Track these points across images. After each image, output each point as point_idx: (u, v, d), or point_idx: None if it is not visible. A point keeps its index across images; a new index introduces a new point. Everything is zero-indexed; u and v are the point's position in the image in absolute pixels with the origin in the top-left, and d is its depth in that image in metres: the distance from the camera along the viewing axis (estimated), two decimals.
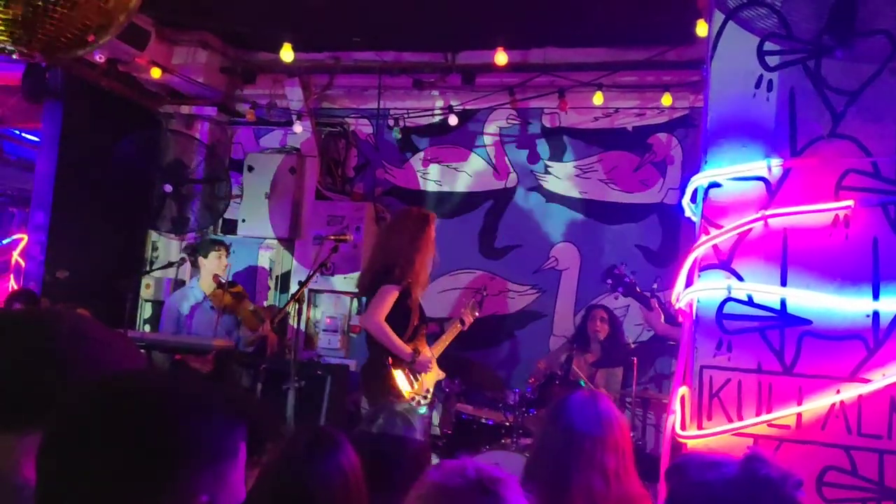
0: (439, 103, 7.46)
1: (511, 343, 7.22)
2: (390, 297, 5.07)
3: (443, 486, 1.58)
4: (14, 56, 3.42)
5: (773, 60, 2.96)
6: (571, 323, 6.99)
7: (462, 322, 5.91)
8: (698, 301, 2.97)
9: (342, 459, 2.42)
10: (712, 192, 3.00)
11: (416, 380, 5.23)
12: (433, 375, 5.37)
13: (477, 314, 6.13)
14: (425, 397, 5.28)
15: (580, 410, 2.88)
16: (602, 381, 6.24)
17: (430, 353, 5.41)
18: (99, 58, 6.35)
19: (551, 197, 7.27)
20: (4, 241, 8.89)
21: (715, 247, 2.96)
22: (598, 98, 6.64)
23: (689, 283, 3.01)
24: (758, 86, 2.97)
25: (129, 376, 1.31)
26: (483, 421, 5.72)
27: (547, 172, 7.30)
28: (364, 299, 5.62)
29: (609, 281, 4.27)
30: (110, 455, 1.17)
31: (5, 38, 3.25)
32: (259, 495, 2.39)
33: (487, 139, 7.47)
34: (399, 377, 5.14)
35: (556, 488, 2.75)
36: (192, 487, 1.20)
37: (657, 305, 4.35)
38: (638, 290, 4.21)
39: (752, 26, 2.87)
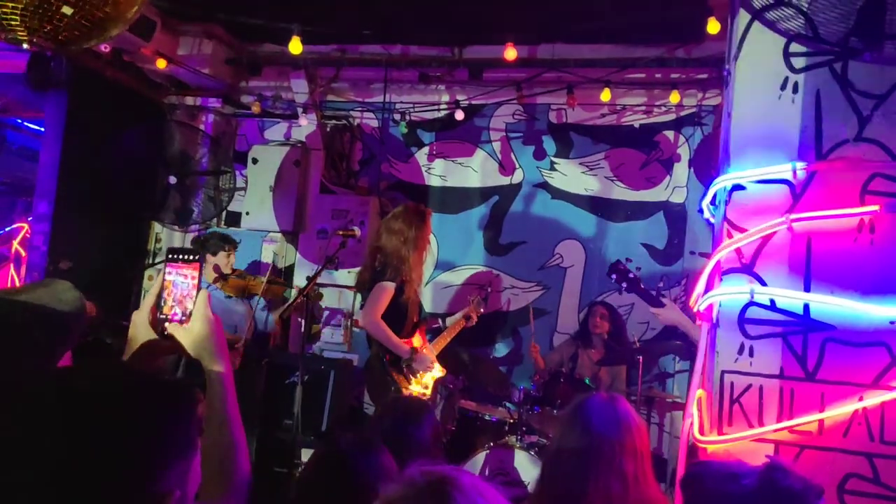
0: (446, 98, 7.42)
1: (515, 340, 7.20)
2: (385, 294, 5.06)
3: (390, 499, 1.56)
4: (24, 46, 3.37)
5: (799, 62, 2.93)
6: (576, 320, 6.97)
7: (467, 318, 5.88)
8: (720, 305, 2.93)
9: (380, 461, 2.41)
10: (735, 194, 2.97)
11: (415, 377, 5.20)
12: (433, 372, 5.34)
13: (483, 310, 6.09)
14: (424, 394, 5.25)
15: (599, 413, 2.84)
16: (607, 380, 6.23)
17: (429, 350, 5.38)
18: (104, 48, 6.29)
19: (557, 193, 7.24)
20: (5, 230, 8.83)
21: (738, 250, 2.92)
22: (605, 95, 6.60)
23: (709, 287, 2.98)
24: (783, 87, 2.93)
25: (89, 373, 1.27)
26: (487, 418, 5.70)
27: (553, 169, 7.27)
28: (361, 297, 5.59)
29: (613, 276, 4.23)
30: (84, 458, 1.13)
31: (17, 29, 3.21)
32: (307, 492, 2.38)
33: (494, 134, 7.44)
34: (397, 374, 5.13)
35: (574, 492, 2.72)
36: (167, 485, 1.20)
37: (669, 299, 4.29)
38: (642, 286, 4.18)
39: (777, 27, 2.84)
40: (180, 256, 1.80)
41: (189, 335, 1.74)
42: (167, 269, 1.79)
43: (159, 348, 1.78)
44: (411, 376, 5.19)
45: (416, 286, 5.33)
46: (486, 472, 5.13)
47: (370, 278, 5.19)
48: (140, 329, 1.77)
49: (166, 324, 1.76)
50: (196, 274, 1.79)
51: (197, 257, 1.81)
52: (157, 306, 1.78)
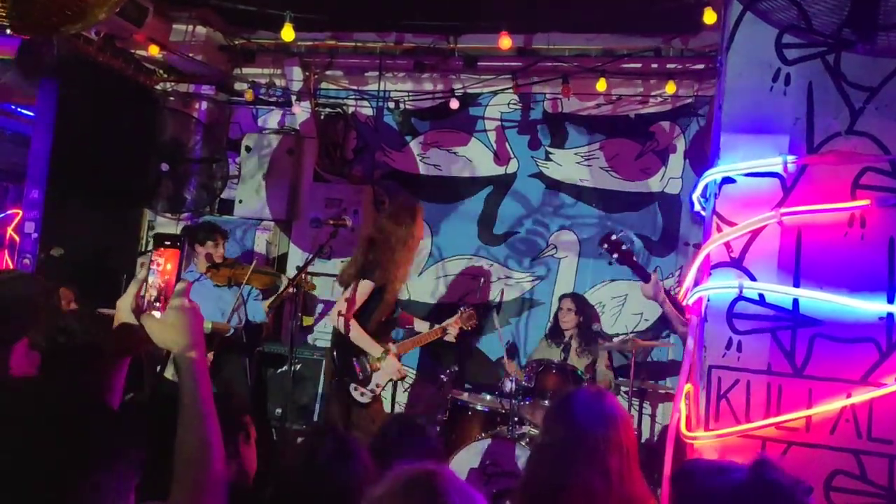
0: (440, 86, 7.37)
1: (508, 330, 7.16)
2: (364, 292, 5.10)
3: (379, 497, 1.57)
4: (8, 32, 3.33)
5: (791, 54, 2.89)
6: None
7: (445, 331, 5.76)
8: (708, 299, 2.90)
9: (359, 467, 2.37)
10: (725, 187, 2.93)
11: (369, 377, 5.21)
12: (388, 372, 5.32)
13: (471, 327, 5.85)
14: (373, 392, 5.25)
15: (584, 407, 2.81)
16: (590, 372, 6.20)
17: (394, 348, 5.36)
18: (96, 33, 6.22)
19: (552, 183, 7.19)
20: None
21: (727, 244, 2.89)
22: (601, 85, 6.55)
23: (699, 281, 2.95)
24: (775, 79, 2.90)
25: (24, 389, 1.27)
26: (478, 408, 5.67)
27: (548, 159, 7.22)
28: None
29: (604, 246, 4.16)
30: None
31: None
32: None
33: (489, 124, 7.39)
34: (349, 371, 5.21)
35: (555, 486, 2.69)
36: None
37: (656, 278, 4.18)
38: (634, 259, 4.11)
39: (770, 18, 2.80)
40: (166, 243, 1.76)
41: (159, 325, 1.67)
42: (153, 257, 1.75)
43: (133, 334, 1.73)
44: (362, 373, 5.20)
45: (399, 285, 5.31)
46: (477, 463, 5.11)
47: (356, 273, 5.16)
48: (124, 316, 1.73)
49: (143, 313, 1.72)
50: (175, 262, 1.74)
51: (178, 244, 1.75)
52: (142, 294, 1.74)
